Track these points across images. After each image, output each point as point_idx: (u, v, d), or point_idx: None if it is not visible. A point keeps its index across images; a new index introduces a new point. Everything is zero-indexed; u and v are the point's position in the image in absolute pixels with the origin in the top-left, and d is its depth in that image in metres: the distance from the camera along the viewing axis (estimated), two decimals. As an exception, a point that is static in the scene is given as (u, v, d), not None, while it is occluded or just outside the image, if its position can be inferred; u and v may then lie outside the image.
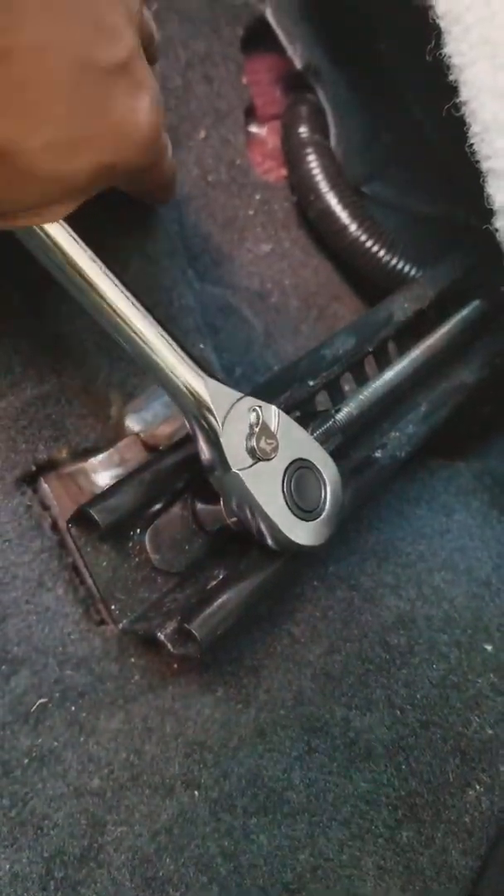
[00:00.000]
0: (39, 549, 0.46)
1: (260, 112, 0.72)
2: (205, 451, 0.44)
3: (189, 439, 0.50)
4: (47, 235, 0.39)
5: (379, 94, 0.72)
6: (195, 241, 0.64)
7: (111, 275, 0.41)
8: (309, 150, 0.69)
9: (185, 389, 0.42)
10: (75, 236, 0.40)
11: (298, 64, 0.70)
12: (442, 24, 0.46)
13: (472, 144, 0.48)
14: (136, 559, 0.47)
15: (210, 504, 0.49)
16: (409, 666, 0.53)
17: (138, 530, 0.47)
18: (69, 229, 0.40)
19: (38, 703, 0.45)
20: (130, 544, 0.47)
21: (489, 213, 0.49)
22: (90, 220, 0.44)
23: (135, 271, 0.55)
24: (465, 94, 0.46)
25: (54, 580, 0.46)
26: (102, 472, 0.49)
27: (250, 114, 0.71)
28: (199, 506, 0.49)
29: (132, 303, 0.41)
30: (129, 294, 0.41)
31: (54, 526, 0.47)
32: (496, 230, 0.49)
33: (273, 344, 0.67)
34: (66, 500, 0.48)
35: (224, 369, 0.62)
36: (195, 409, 0.43)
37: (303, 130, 0.69)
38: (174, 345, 0.42)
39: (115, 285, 0.41)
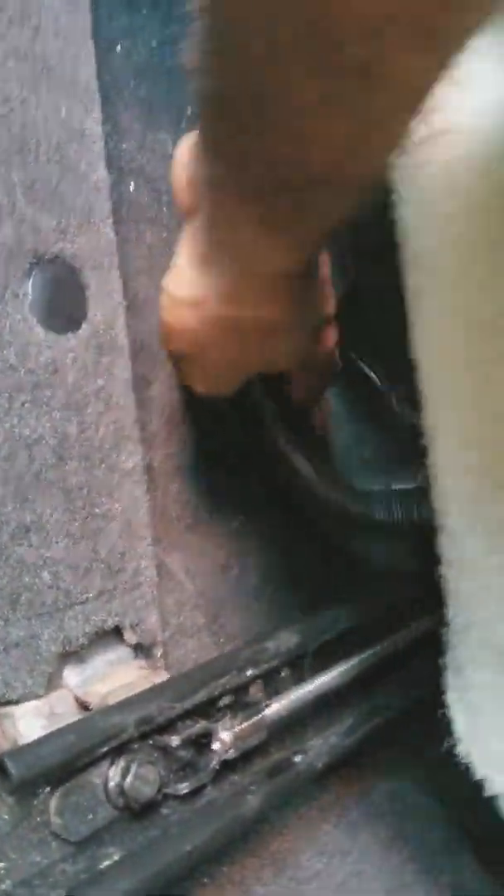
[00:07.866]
0: None
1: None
2: None
3: (121, 706, 0.51)
4: None
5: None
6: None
7: None
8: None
9: None
10: None
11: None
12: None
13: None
14: (37, 819, 0.47)
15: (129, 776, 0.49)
16: None
17: (47, 789, 0.47)
18: None
19: None
20: (35, 802, 0.46)
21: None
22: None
23: None
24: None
25: None
26: (30, 720, 0.49)
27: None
28: (115, 777, 0.49)
29: None
30: None
31: None
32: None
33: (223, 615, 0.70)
34: (-14, 741, 0.48)
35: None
36: None
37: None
38: None
39: None
